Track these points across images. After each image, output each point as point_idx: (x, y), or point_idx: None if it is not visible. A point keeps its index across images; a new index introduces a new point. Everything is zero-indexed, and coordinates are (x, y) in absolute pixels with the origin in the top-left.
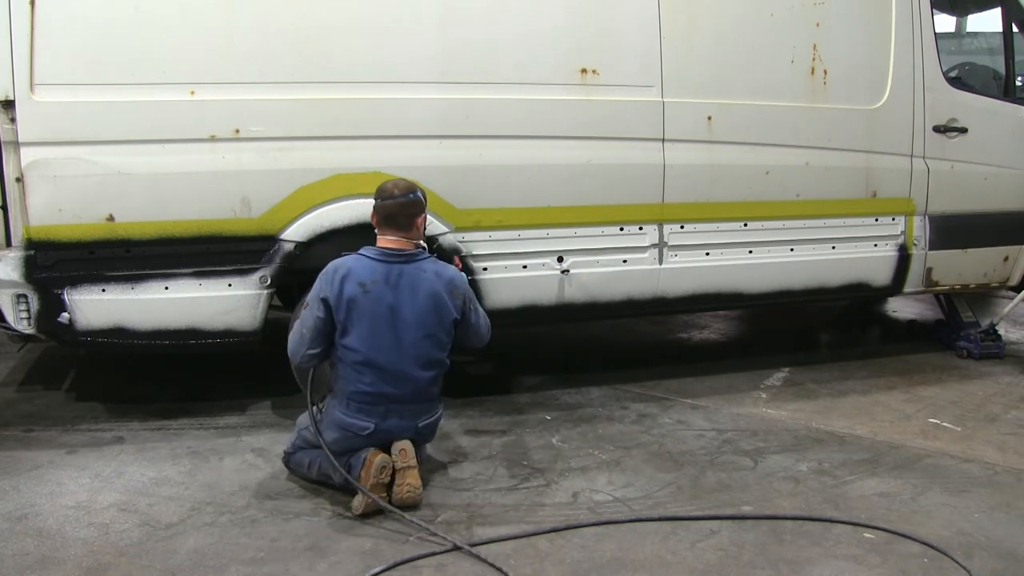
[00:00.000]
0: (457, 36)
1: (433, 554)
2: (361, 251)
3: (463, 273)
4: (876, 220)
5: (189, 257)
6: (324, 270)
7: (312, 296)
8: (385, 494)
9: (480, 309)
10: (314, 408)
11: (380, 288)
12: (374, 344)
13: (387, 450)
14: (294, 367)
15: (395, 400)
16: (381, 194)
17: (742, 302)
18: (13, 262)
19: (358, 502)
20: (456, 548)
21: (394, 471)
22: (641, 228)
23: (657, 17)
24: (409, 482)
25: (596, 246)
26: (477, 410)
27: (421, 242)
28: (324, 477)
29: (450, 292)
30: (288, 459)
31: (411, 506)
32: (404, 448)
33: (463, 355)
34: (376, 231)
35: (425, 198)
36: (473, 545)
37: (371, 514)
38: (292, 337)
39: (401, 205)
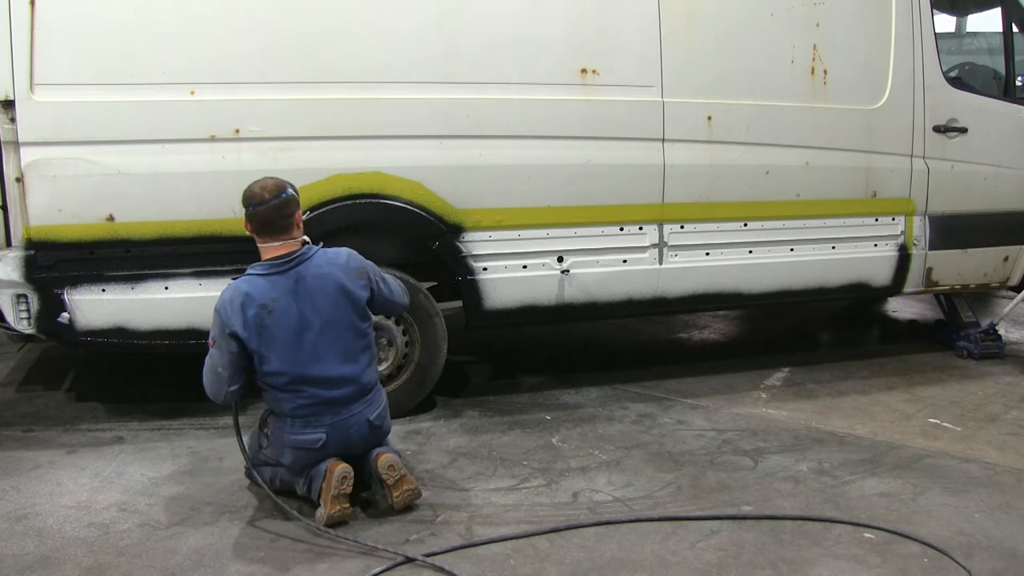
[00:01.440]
0: (457, 36)
1: (422, 557)
2: (249, 271)
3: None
4: (876, 220)
5: (189, 257)
6: (219, 303)
7: (217, 333)
8: (347, 505)
9: (387, 276)
10: (254, 434)
11: (283, 303)
12: (297, 359)
13: (348, 460)
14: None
15: (338, 403)
16: (251, 200)
17: (742, 302)
18: (13, 262)
19: (320, 514)
20: (409, 560)
21: (389, 487)
22: (641, 228)
23: (657, 17)
24: (407, 488)
25: (596, 246)
26: (477, 410)
27: (304, 237)
28: (288, 487)
29: (352, 277)
30: (249, 473)
31: (411, 506)
32: (392, 463)
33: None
34: (256, 240)
35: (296, 192)
36: (444, 550)
37: (371, 516)
38: (207, 379)
39: (276, 208)
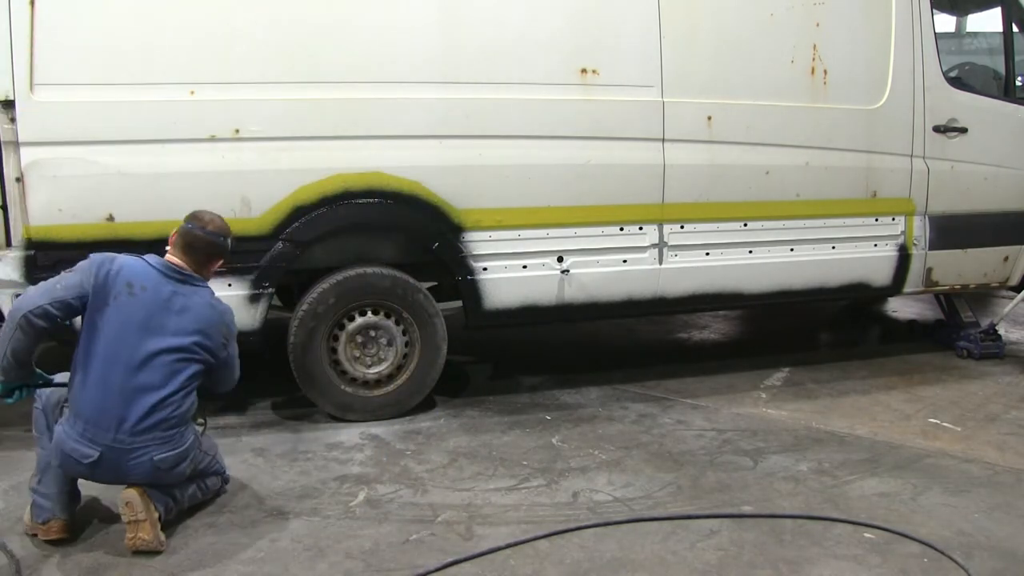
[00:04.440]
0: (457, 36)
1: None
2: (143, 256)
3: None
4: (876, 220)
5: None
6: (95, 255)
7: (79, 266)
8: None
9: (237, 355)
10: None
11: (147, 295)
12: (117, 350)
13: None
14: (14, 324)
15: (125, 423)
16: (195, 220)
17: (742, 302)
18: (13, 262)
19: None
20: None
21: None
22: (641, 228)
23: (657, 17)
24: (141, 536)
25: (596, 246)
26: (477, 410)
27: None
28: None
29: (217, 329)
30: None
31: (151, 552)
32: (129, 501)
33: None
34: (167, 248)
35: (232, 248)
36: (446, 564)
37: (370, 515)
38: (38, 287)
39: (208, 243)
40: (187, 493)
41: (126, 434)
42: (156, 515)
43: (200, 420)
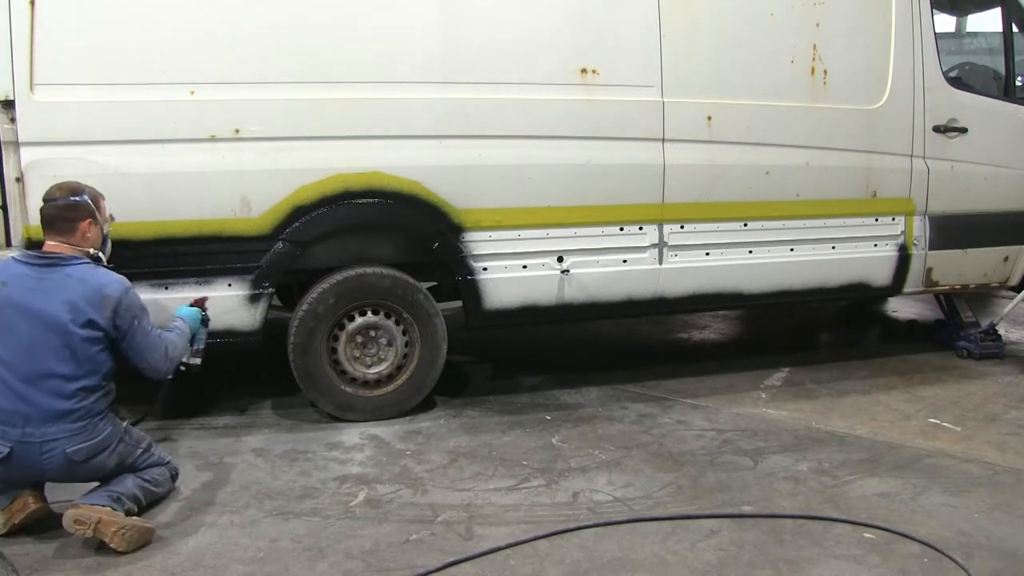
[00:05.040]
0: (457, 36)
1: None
2: (14, 255)
3: (129, 285)
4: (876, 220)
5: (189, 257)
6: None
7: None
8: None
9: (154, 331)
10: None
11: (13, 290)
12: (2, 348)
13: (38, 489)
14: None
15: (31, 417)
16: (45, 197)
17: (742, 302)
18: None
19: None
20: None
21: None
22: (641, 228)
23: (657, 17)
24: (112, 531)
25: (596, 246)
26: (477, 410)
27: (91, 250)
28: None
29: (92, 301)
30: None
31: (144, 543)
32: (76, 518)
33: (152, 380)
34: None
35: (93, 202)
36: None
37: (370, 515)
38: None
39: (59, 208)
40: (127, 489)
41: (34, 427)
42: (107, 508)
43: (123, 416)
